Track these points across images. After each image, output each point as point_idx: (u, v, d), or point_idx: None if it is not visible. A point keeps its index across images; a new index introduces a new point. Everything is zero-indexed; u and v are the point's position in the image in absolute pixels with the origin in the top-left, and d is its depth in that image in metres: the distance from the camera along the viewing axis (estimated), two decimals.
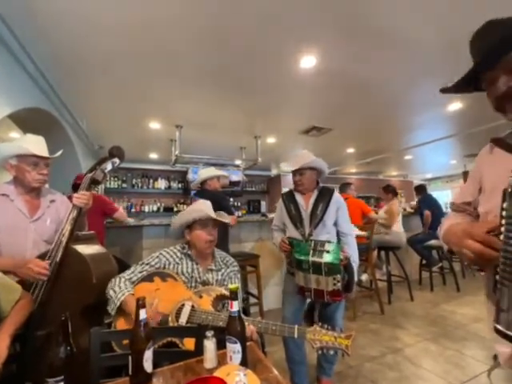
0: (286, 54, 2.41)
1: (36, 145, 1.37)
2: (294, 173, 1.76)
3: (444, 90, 0.81)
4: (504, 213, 0.54)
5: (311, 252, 1.50)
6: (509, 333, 0.48)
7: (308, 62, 2.49)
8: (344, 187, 3.71)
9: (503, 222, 0.53)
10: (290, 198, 1.81)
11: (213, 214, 1.41)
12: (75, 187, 2.56)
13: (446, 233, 0.76)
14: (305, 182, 1.74)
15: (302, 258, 1.50)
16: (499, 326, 0.51)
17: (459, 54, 2.39)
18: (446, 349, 2.21)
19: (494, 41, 0.67)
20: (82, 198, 1.33)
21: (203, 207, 1.45)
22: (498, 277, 0.54)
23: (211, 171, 2.82)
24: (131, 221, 3.26)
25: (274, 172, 7.67)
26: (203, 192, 2.73)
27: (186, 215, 1.43)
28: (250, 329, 1.04)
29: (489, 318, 0.78)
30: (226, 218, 1.49)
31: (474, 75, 0.72)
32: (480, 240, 0.58)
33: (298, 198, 1.78)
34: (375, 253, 3.49)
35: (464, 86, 0.76)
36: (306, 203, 1.75)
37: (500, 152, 0.72)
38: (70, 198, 1.50)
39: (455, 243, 0.67)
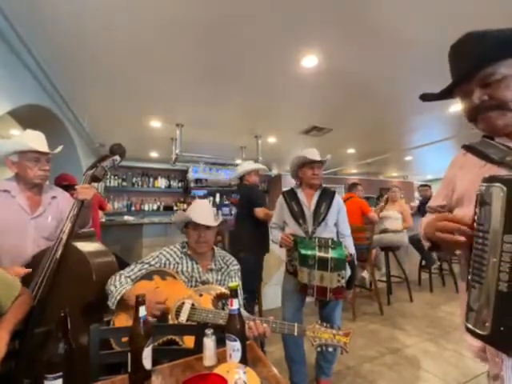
0: (287, 54, 2.40)
1: (36, 140, 1.37)
2: (314, 165, 1.74)
3: (424, 98, 0.83)
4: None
5: (317, 248, 1.51)
6: (476, 330, 0.53)
7: (309, 61, 2.49)
8: (351, 187, 3.76)
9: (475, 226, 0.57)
10: (291, 195, 1.81)
11: (202, 219, 1.37)
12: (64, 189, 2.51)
13: (425, 228, 0.79)
14: (321, 177, 1.77)
15: (309, 252, 1.51)
16: (469, 325, 0.55)
17: None
18: (445, 350, 2.21)
19: (471, 57, 0.69)
20: (83, 188, 1.34)
21: (196, 209, 1.44)
22: (469, 278, 0.57)
23: (248, 165, 2.73)
24: (131, 218, 3.27)
25: (274, 172, 7.67)
26: (239, 187, 2.71)
27: (181, 216, 1.46)
28: (264, 327, 1.04)
29: (461, 313, 0.80)
30: (217, 220, 1.45)
31: (452, 87, 0.75)
32: (450, 219, 0.63)
33: (301, 196, 1.78)
34: (374, 251, 3.49)
35: (442, 95, 0.80)
36: (308, 201, 1.76)
37: (473, 158, 0.75)
38: (72, 196, 1.50)
39: (432, 232, 0.69)
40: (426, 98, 0.83)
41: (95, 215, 2.66)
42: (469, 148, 0.78)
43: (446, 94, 0.78)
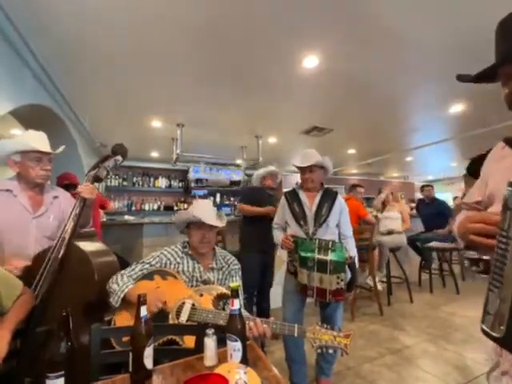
0: (288, 54, 2.41)
1: (38, 140, 1.37)
2: (305, 170, 1.75)
3: (461, 79, 0.76)
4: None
5: (317, 250, 1.50)
6: (491, 332, 0.55)
7: (310, 61, 2.50)
8: (351, 188, 3.76)
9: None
10: (293, 196, 1.81)
11: (208, 219, 1.35)
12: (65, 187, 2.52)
13: (458, 228, 0.74)
14: (315, 180, 1.75)
15: (308, 255, 1.51)
16: (484, 326, 0.56)
17: (460, 55, 2.40)
18: (445, 350, 2.21)
19: None
20: (88, 187, 1.35)
21: (200, 209, 1.42)
22: (489, 281, 0.56)
23: (258, 171, 2.75)
24: (131, 218, 3.27)
25: None
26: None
27: (183, 216, 1.43)
28: (264, 328, 1.04)
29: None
30: (223, 220, 1.45)
31: (495, 68, 0.69)
32: (479, 220, 0.60)
33: (302, 196, 1.78)
34: (376, 252, 3.48)
35: (482, 78, 0.73)
36: (310, 203, 1.75)
37: (510, 153, 0.70)
38: (73, 195, 1.51)
39: (463, 232, 0.66)
40: (462, 78, 0.76)
41: (96, 215, 2.66)
42: (507, 141, 0.72)
43: (487, 76, 0.71)
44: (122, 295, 1.19)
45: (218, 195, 6.67)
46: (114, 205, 5.65)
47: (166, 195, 6.35)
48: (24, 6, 1.80)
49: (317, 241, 1.55)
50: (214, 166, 6.26)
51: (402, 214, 3.62)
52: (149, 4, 1.82)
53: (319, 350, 0.98)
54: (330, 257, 1.46)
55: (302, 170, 1.76)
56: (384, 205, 3.85)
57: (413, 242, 3.96)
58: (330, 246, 1.50)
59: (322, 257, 1.48)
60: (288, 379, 1.71)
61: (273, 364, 0.89)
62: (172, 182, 6.35)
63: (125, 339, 1.13)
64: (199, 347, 0.95)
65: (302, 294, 1.64)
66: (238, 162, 5.66)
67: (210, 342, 0.88)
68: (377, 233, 3.51)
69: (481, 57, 2.43)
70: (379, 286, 3.32)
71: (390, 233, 3.51)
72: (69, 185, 2.52)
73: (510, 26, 0.66)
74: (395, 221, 3.57)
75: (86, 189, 1.34)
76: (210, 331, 0.90)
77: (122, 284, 1.22)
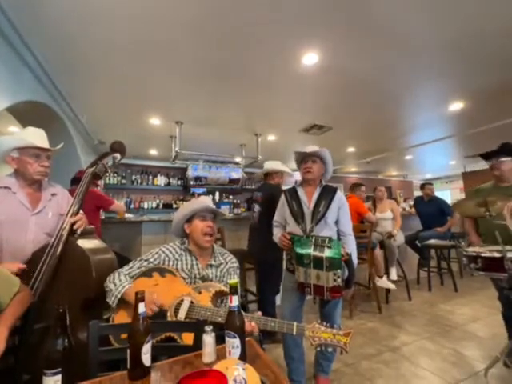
0: (288, 51, 2.40)
1: (37, 137, 1.37)
2: (307, 159, 1.73)
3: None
4: None
5: (312, 247, 1.50)
6: None
7: (310, 59, 2.49)
8: (353, 187, 3.72)
9: None
10: (292, 194, 1.80)
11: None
12: (75, 181, 2.60)
13: None
14: (315, 171, 1.72)
15: (304, 252, 1.50)
16: None
17: (460, 54, 2.40)
18: (444, 348, 2.22)
19: None
20: (81, 220, 1.37)
21: (204, 200, 1.47)
22: None
23: (277, 165, 2.67)
24: (130, 216, 3.26)
25: None
26: (262, 186, 2.68)
27: (187, 207, 1.45)
28: (252, 325, 1.03)
29: None
30: (225, 212, 1.50)
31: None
32: None
33: (301, 194, 1.77)
34: (377, 252, 3.47)
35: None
36: (308, 200, 1.74)
37: None
38: (71, 192, 1.50)
39: None
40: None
41: (95, 218, 2.64)
42: None
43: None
44: (118, 295, 1.19)
45: (217, 193, 6.67)
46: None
47: (164, 193, 6.34)
48: (22, 4, 1.78)
49: (313, 238, 1.54)
50: (213, 164, 6.26)
51: (394, 213, 3.61)
52: (148, 2, 1.80)
53: (318, 348, 0.97)
54: (326, 254, 1.45)
55: (305, 160, 1.75)
56: (374, 202, 3.84)
57: (412, 240, 3.96)
58: (326, 242, 1.49)
59: (317, 254, 1.47)
60: (286, 376, 1.71)
61: (271, 361, 0.89)
62: (171, 180, 6.34)
63: (123, 336, 1.13)
64: (197, 344, 0.94)
65: (300, 292, 1.63)
66: (237, 159, 5.65)
67: (209, 339, 0.88)
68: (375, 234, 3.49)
69: (480, 57, 2.44)
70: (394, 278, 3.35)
71: (389, 235, 3.49)
72: (75, 179, 2.59)
73: None
74: (390, 221, 3.57)
75: (79, 223, 1.37)
76: (208, 328, 0.90)
77: (118, 284, 1.22)
